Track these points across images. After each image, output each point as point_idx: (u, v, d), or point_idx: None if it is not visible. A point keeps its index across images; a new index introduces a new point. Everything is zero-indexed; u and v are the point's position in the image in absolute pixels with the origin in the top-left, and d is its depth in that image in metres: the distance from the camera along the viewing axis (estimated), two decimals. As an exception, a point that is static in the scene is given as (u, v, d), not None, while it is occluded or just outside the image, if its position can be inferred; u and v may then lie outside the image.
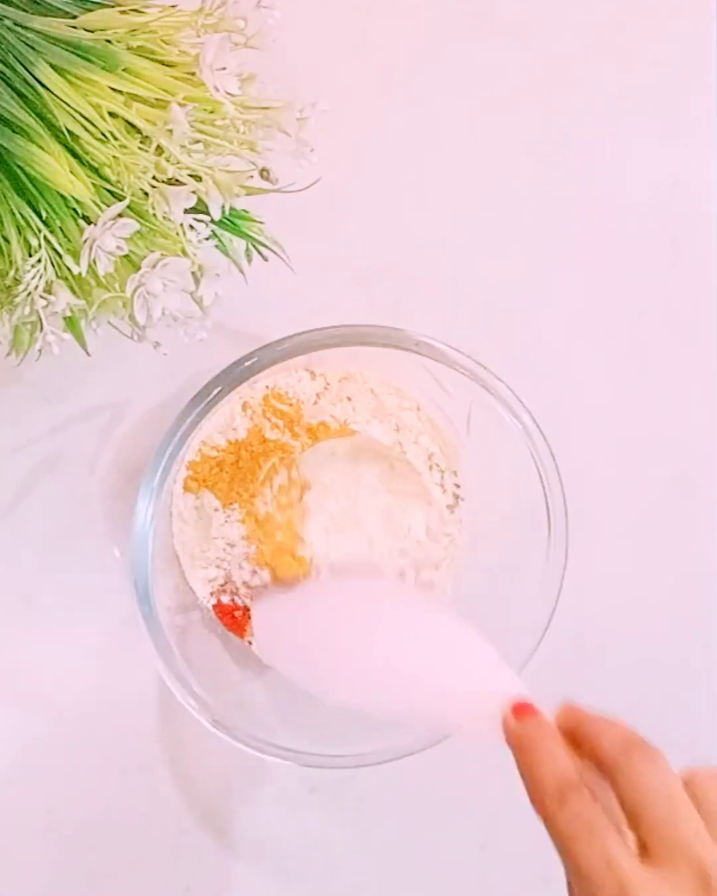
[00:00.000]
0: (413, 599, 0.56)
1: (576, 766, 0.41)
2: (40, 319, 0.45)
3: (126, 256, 0.44)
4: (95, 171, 0.44)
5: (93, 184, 0.44)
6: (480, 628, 0.50)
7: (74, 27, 0.44)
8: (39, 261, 0.44)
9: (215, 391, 0.51)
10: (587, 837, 0.39)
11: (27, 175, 0.44)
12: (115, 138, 0.44)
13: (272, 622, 0.55)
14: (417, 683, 0.49)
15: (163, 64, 0.45)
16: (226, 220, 0.48)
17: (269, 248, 0.50)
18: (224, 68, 0.44)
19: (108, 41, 0.44)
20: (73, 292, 0.45)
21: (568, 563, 0.54)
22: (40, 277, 0.44)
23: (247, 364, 0.51)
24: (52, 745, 0.57)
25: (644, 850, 0.38)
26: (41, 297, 0.44)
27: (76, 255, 0.44)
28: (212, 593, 0.55)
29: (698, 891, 0.37)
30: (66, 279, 0.45)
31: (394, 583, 0.57)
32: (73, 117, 0.44)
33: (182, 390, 0.51)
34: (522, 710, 0.43)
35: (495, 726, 0.44)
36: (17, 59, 0.43)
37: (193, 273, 0.46)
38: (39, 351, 0.46)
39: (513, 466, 0.55)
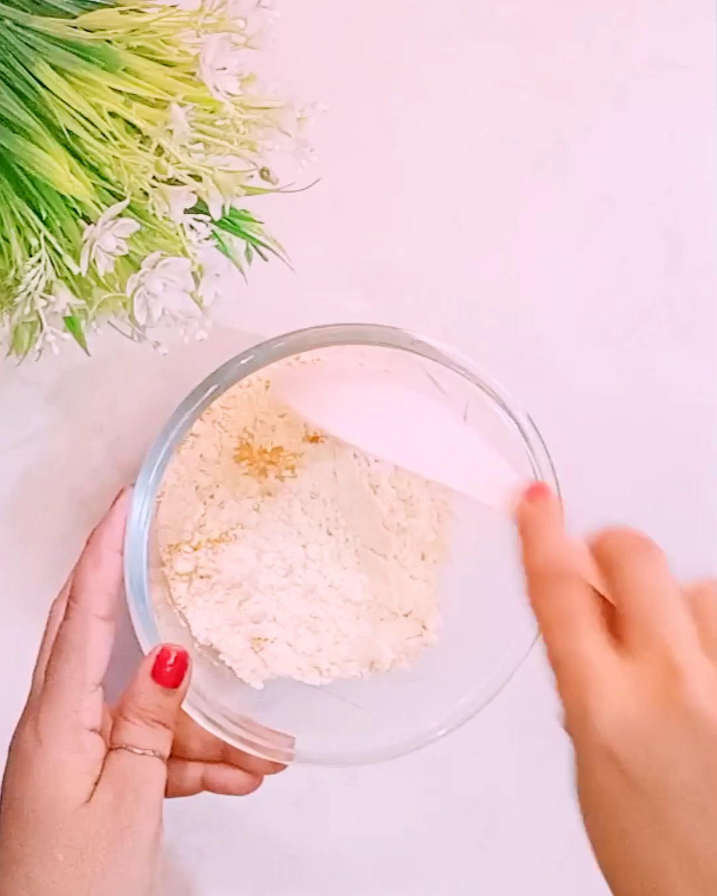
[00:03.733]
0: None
1: (573, 556, 0.41)
2: (40, 319, 0.45)
3: (126, 256, 0.44)
4: (95, 171, 0.44)
5: (93, 184, 0.44)
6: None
7: (74, 27, 0.44)
8: (39, 261, 0.44)
9: (211, 390, 0.51)
10: (560, 627, 0.38)
11: (27, 175, 0.44)
12: (115, 138, 0.44)
13: (300, 382, 0.54)
14: (440, 445, 0.48)
15: (163, 64, 0.45)
16: (226, 220, 0.48)
17: (269, 248, 0.50)
18: (224, 68, 0.44)
19: (108, 41, 0.44)
20: (73, 292, 0.45)
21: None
22: (40, 277, 0.44)
23: (242, 362, 0.51)
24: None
25: (623, 643, 0.38)
26: (41, 297, 0.44)
27: (76, 255, 0.44)
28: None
29: (663, 686, 0.36)
30: (66, 279, 0.45)
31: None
32: (73, 117, 0.44)
33: (181, 390, 0.51)
34: (537, 492, 0.44)
35: (507, 499, 0.44)
36: (17, 59, 0.43)
37: (193, 273, 0.46)
38: (39, 351, 0.46)
39: (510, 465, 0.54)
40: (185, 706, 0.51)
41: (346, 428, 0.50)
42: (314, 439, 0.56)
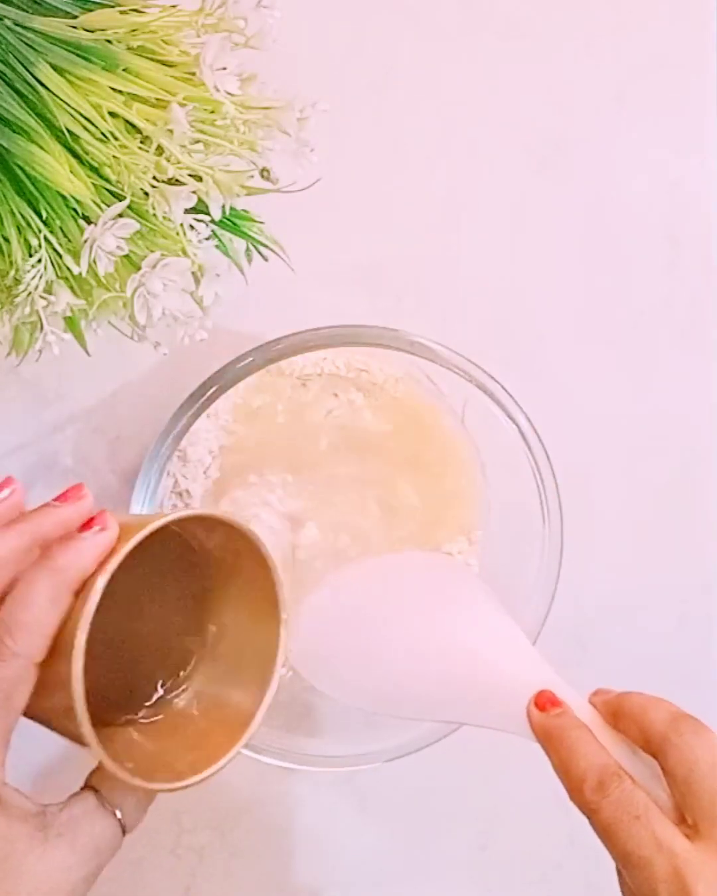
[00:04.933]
0: (432, 575, 0.54)
1: (610, 754, 0.40)
2: (40, 319, 0.45)
3: (126, 256, 0.44)
4: (95, 171, 0.44)
5: (93, 184, 0.44)
6: (500, 606, 0.48)
7: (75, 27, 0.44)
8: (39, 261, 0.44)
9: (211, 391, 0.51)
10: (633, 823, 0.38)
11: (27, 175, 0.44)
12: (116, 138, 0.44)
13: (299, 632, 0.52)
14: (439, 680, 0.47)
15: (163, 64, 0.45)
16: (226, 220, 0.48)
17: (269, 248, 0.50)
18: (224, 68, 0.44)
19: (109, 41, 0.44)
20: (73, 292, 0.45)
21: (565, 563, 0.54)
22: (40, 277, 0.44)
23: (242, 364, 0.51)
24: (51, 745, 0.56)
25: (694, 828, 0.38)
26: (41, 297, 0.44)
27: (76, 255, 0.44)
28: None
29: None
30: (66, 279, 0.45)
31: (410, 556, 0.55)
32: (74, 117, 0.44)
33: (181, 390, 0.51)
34: (544, 702, 0.43)
35: (523, 719, 0.43)
36: (17, 59, 0.43)
37: (193, 273, 0.46)
38: (39, 351, 0.46)
39: (508, 466, 0.55)
40: None
41: (345, 691, 0.50)
42: None
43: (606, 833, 0.39)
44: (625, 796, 0.39)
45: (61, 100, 0.44)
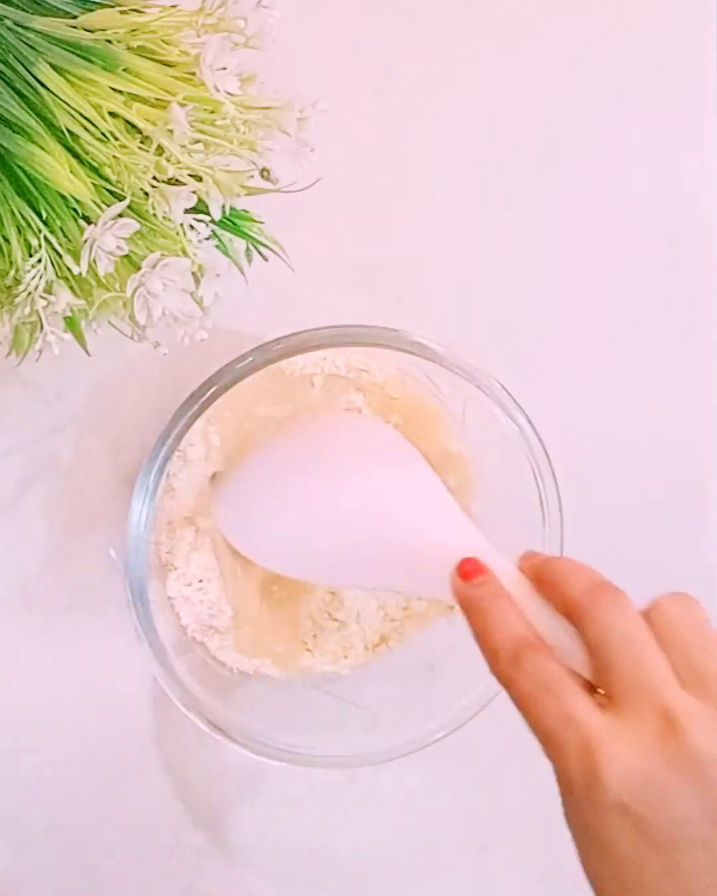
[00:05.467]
0: (361, 438, 0.53)
1: (530, 624, 0.40)
2: (40, 319, 0.45)
3: (126, 256, 0.44)
4: (95, 171, 0.44)
5: (93, 184, 0.44)
6: (430, 471, 0.47)
7: (74, 27, 0.44)
8: (39, 261, 0.44)
9: (210, 391, 0.51)
10: (545, 696, 0.38)
11: (27, 175, 0.44)
12: (116, 138, 0.44)
13: (225, 495, 0.52)
14: (366, 544, 0.46)
15: (163, 64, 0.45)
16: (226, 220, 0.48)
17: (269, 248, 0.50)
18: (224, 68, 0.44)
19: (109, 41, 0.44)
20: (73, 292, 0.45)
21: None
22: (40, 277, 0.44)
23: (242, 364, 0.51)
24: (51, 746, 0.57)
25: (610, 698, 0.38)
26: (41, 297, 0.44)
27: (76, 255, 0.44)
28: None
29: (660, 735, 0.36)
30: (66, 279, 0.45)
31: (342, 418, 0.54)
32: (74, 117, 0.44)
33: (182, 390, 0.51)
34: (468, 571, 0.42)
35: (447, 586, 0.42)
36: (17, 59, 0.43)
37: (193, 273, 0.46)
38: (39, 351, 0.46)
39: (508, 466, 0.55)
40: (187, 711, 0.51)
41: (274, 558, 0.49)
42: None
43: (520, 706, 0.38)
44: (538, 668, 0.38)
45: (61, 100, 0.44)
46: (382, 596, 0.55)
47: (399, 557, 0.46)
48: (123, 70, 0.45)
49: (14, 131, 0.44)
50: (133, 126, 0.44)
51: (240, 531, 0.51)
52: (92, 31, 0.44)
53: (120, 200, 0.43)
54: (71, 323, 0.48)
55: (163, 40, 0.46)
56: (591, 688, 0.39)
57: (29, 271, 0.44)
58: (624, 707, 0.37)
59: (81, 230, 0.43)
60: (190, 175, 0.44)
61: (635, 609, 0.39)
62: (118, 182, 0.44)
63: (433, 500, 0.47)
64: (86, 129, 0.44)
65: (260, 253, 0.50)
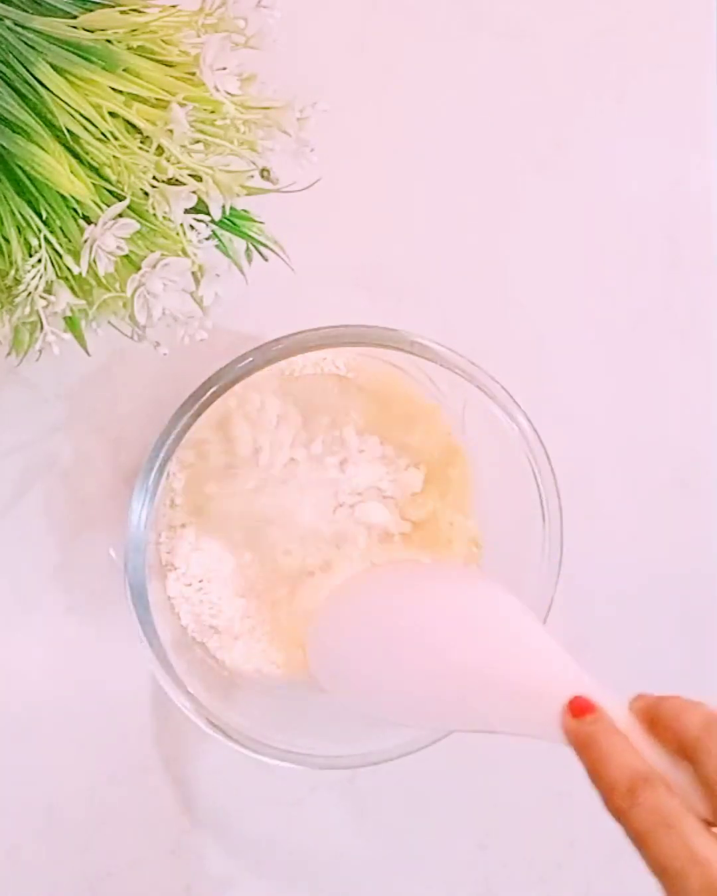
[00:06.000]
0: (453, 583, 0.53)
1: (645, 760, 0.39)
2: (40, 319, 0.45)
3: (126, 256, 0.44)
4: (96, 171, 0.44)
5: (93, 184, 0.44)
6: (528, 614, 0.47)
7: (75, 27, 0.44)
8: (39, 261, 0.44)
9: (210, 391, 0.51)
10: (665, 832, 0.37)
11: (27, 175, 0.44)
12: (116, 138, 0.44)
13: (319, 644, 0.53)
14: (469, 686, 0.46)
15: (163, 64, 0.45)
16: (226, 220, 0.48)
17: (269, 248, 0.50)
18: (224, 68, 0.44)
19: (109, 41, 0.44)
20: (73, 292, 0.45)
21: (565, 563, 0.54)
22: (40, 277, 0.44)
23: (242, 364, 0.51)
24: (51, 745, 0.57)
25: None
26: (41, 297, 0.44)
27: (76, 255, 0.44)
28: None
29: None
30: (66, 279, 0.45)
31: (429, 565, 0.54)
32: (74, 117, 0.44)
33: (182, 390, 0.51)
34: (580, 708, 0.42)
35: (557, 726, 0.42)
36: (17, 59, 0.43)
37: (193, 273, 0.46)
38: (39, 351, 0.46)
39: (508, 466, 0.55)
40: (187, 711, 0.51)
41: (378, 707, 0.49)
42: None
43: (638, 842, 0.38)
44: (658, 803, 0.37)
45: (61, 100, 0.44)
46: None
47: (507, 698, 0.45)
48: (123, 70, 0.45)
49: (14, 131, 0.44)
50: (133, 126, 0.44)
51: (337, 677, 0.51)
52: (92, 31, 0.44)
53: (120, 200, 0.43)
54: (71, 323, 0.48)
55: (163, 40, 0.46)
56: (709, 827, 0.38)
57: (29, 271, 0.44)
58: None
59: (81, 230, 0.43)
60: (190, 175, 0.44)
61: None
62: (118, 182, 0.44)
63: (538, 640, 0.46)
64: (86, 129, 0.44)
65: (260, 253, 0.50)
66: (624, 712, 0.42)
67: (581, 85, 0.61)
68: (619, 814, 0.38)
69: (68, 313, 0.46)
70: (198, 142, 0.44)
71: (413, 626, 0.49)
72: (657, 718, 0.41)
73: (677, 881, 0.36)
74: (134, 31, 0.45)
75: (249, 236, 0.50)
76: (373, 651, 0.50)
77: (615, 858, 0.57)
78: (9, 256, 0.45)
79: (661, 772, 0.39)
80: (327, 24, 0.59)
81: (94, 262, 0.43)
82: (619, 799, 0.38)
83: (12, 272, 0.45)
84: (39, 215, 0.44)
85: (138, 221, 0.44)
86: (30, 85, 0.44)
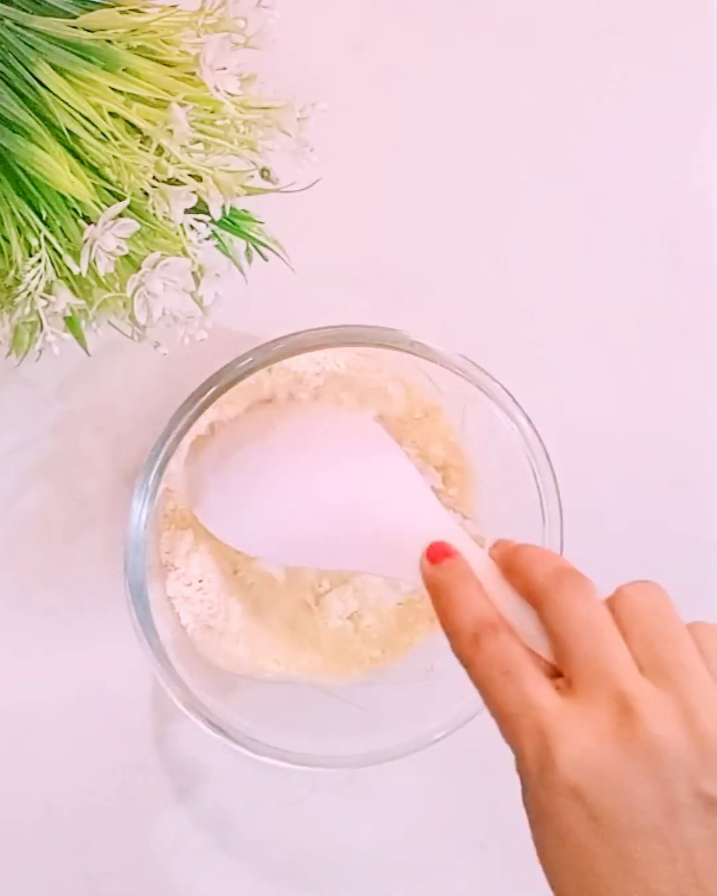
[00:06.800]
0: (335, 426, 0.54)
1: (493, 608, 0.40)
2: (40, 319, 0.45)
3: (126, 256, 0.44)
4: (96, 171, 0.44)
5: (93, 184, 0.44)
6: (405, 459, 0.49)
7: (75, 27, 0.44)
8: (39, 261, 0.44)
9: (210, 391, 0.51)
10: (503, 678, 0.38)
11: (27, 175, 0.44)
12: (116, 138, 0.44)
13: (204, 482, 0.53)
14: (341, 528, 0.47)
15: (163, 64, 0.45)
16: (226, 220, 0.48)
17: (269, 248, 0.50)
18: (224, 68, 0.44)
19: (109, 41, 0.44)
20: (73, 292, 0.45)
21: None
22: (40, 277, 0.44)
23: (242, 364, 0.51)
24: (51, 745, 0.57)
25: (569, 684, 0.38)
26: (41, 297, 0.44)
27: (76, 255, 0.44)
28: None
29: (617, 722, 0.36)
30: (66, 279, 0.45)
31: (321, 409, 0.55)
32: (74, 117, 0.44)
33: (182, 390, 0.51)
34: (437, 553, 0.42)
35: (417, 569, 0.43)
36: (17, 59, 0.43)
37: (193, 273, 0.46)
38: (39, 351, 0.46)
39: (508, 466, 0.55)
40: (187, 711, 0.51)
41: (250, 546, 0.51)
42: None
43: (479, 687, 0.39)
44: (499, 650, 0.38)
45: (61, 100, 0.44)
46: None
47: (374, 542, 0.46)
48: (123, 70, 0.45)
49: (14, 131, 0.44)
50: (133, 126, 0.44)
51: (219, 518, 0.52)
52: (92, 31, 0.44)
53: (120, 200, 0.43)
54: (71, 323, 0.48)
55: (163, 40, 0.46)
56: (554, 673, 0.39)
57: (29, 271, 0.44)
58: (582, 692, 0.37)
59: (81, 230, 0.43)
60: (190, 175, 0.44)
61: (597, 596, 0.39)
62: (118, 182, 0.44)
63: (406, 487, 0.48)
64: (86, 129, 0.44)
65: (260, 253, 0.50)
66: (483, 558, 0.42)
67: (581, 85, 0.61)
68: (463, 659, 0.39)
69: (68, 313, 0.46)
70: (198, 142, 0.44)
71: (290, 468, 0.50)
72: (512, 566, 0.41)
73: (511, 725, 0.37)
74: (134, 31, 0.45)
75: (249, 236, 0.50)
76: (252, 493, 0.51)
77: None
78: (9, 256, 0.45)
79: (510, 618, 0.40)
80: (327, 24, 0.59)
81: (94, 262, 0.43)
82: (464, 645, 0.39)
83: (12, 272, 0.45)
84: (39, 215, 0.44)
85: (138, 221, 0.44)
86: (30, 85, 0.44)
